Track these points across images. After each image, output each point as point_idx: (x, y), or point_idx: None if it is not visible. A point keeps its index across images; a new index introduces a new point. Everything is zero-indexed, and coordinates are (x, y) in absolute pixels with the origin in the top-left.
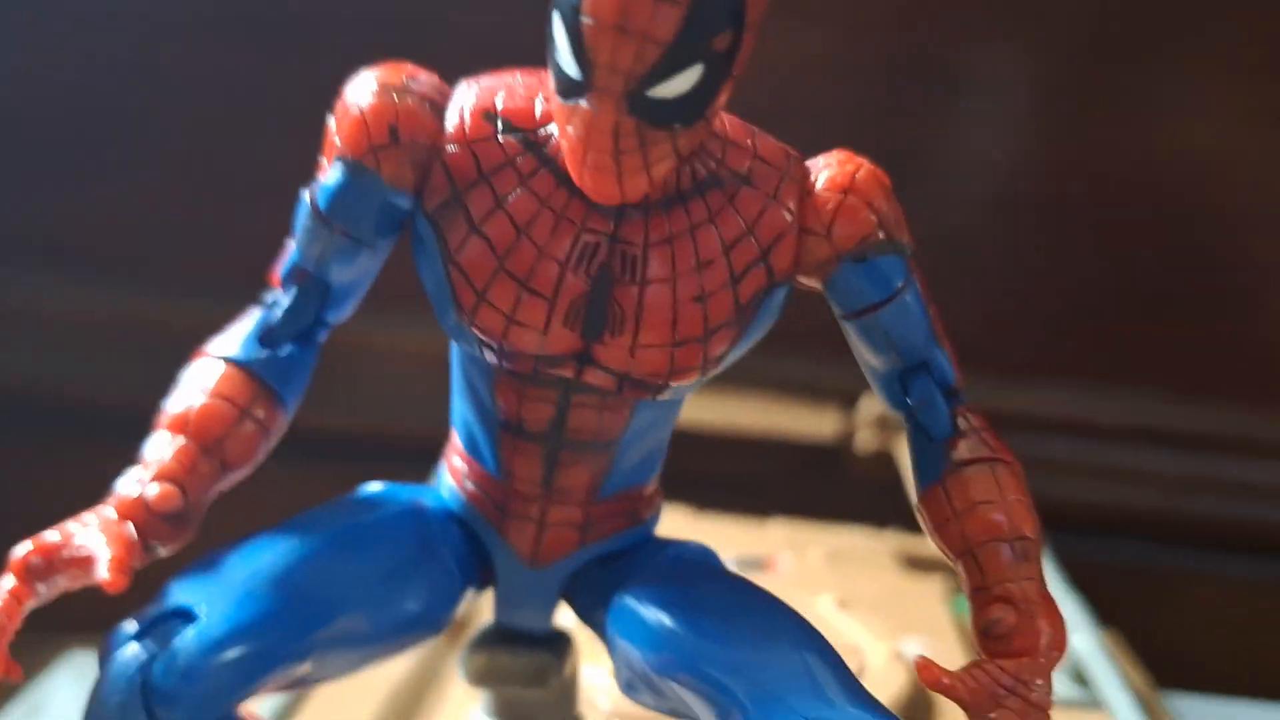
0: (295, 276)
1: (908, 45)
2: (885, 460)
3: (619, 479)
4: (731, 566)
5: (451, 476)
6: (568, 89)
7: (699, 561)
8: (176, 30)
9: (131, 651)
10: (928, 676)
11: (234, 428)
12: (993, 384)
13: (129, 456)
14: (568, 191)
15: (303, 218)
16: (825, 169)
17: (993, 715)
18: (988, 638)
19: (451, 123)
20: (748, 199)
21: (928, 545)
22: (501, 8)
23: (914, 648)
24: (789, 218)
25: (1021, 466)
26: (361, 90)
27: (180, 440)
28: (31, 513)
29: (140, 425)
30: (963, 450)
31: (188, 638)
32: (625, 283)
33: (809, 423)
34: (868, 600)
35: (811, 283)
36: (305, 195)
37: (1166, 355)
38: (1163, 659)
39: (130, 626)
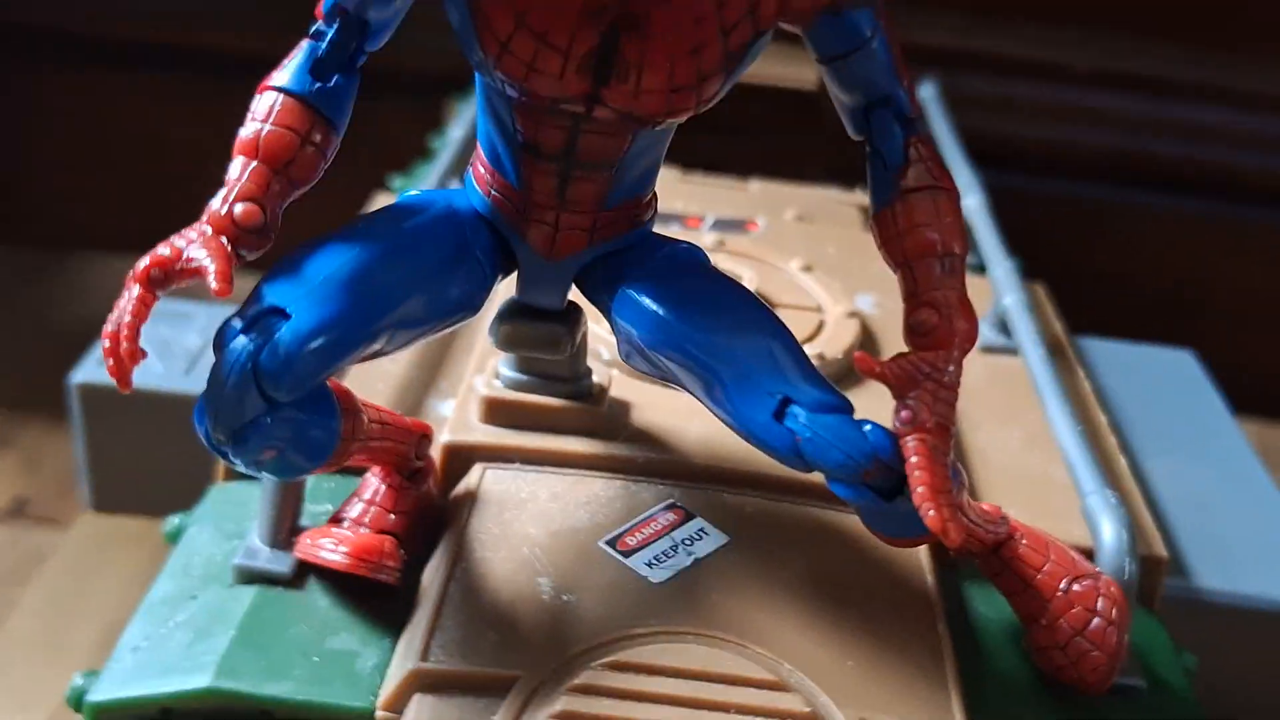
0: (336, 12)
1: None
2: None
3: (621, 192)
4: (714, 228)
5: (478, 183)
6: None
7: (688, 260)
8: None
9: (241, 343)
10: (863, 365)
11: (298, 152)
12: (962, 23)
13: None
14: None
15: None
16: None
17: (912, 394)
18: (914, 334)
19: None
20: None
21: None
22: None
23: (867, 303)
24: None
25: (959, 193)
26: None
27: (254, 164)
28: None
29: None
30: (911, 178)
31: (284, 332)
32: (631, 38)
33: (791, 70)
34: (830, 262)
35: (792, 28)
36: None
37: None
38: (1094, 300)
39: (237, 322)
